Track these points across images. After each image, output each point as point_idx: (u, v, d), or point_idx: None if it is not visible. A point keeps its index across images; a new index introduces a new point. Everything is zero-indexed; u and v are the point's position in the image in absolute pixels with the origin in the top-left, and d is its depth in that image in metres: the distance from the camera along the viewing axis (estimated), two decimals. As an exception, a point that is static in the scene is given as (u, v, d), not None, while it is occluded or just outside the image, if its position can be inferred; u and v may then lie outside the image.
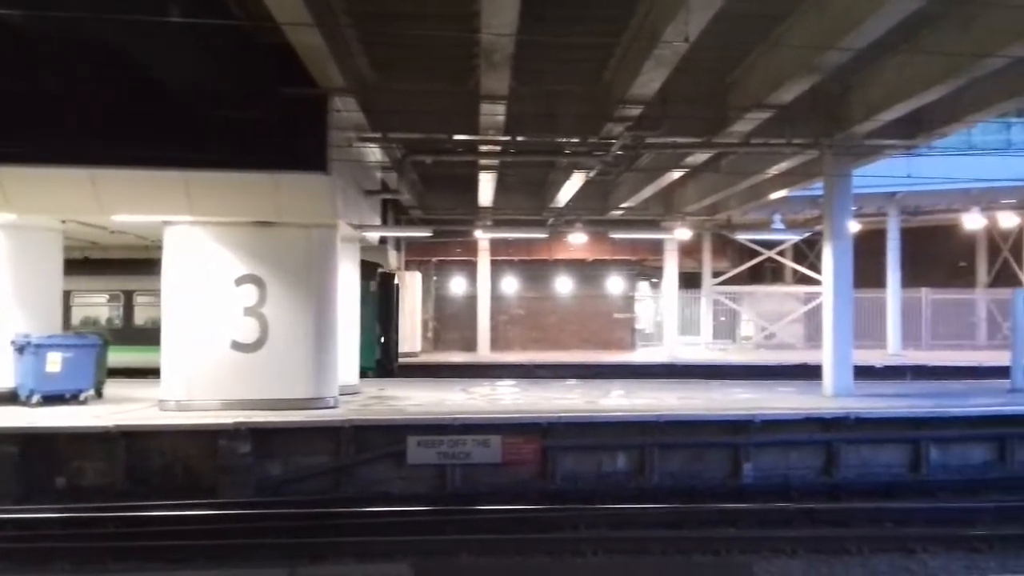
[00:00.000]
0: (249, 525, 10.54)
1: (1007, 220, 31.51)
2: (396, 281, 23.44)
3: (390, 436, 12.91)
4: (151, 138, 12.56)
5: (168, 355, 13.81)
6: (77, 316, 20.97)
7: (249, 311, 13.77)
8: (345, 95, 13.07)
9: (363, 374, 20.29)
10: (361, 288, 20.57)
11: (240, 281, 13.81)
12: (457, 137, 15.55)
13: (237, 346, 13.74)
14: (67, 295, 20.38)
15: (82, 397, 14.42)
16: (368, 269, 22.37)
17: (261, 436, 12.54)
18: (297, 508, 11.48)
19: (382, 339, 21.82)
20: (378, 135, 15.00)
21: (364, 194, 16.75)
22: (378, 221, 19.01)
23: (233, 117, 12.50)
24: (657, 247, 31.81)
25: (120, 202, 13.53)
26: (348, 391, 15.83)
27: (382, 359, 21.82)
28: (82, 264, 20.59)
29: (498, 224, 25.99)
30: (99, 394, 15.16)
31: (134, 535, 10.07)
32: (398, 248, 28.79)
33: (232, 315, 13.75)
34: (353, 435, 12.81)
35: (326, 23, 10.69)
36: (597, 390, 17.43)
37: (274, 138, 12.90)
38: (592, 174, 18.46)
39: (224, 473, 12.31)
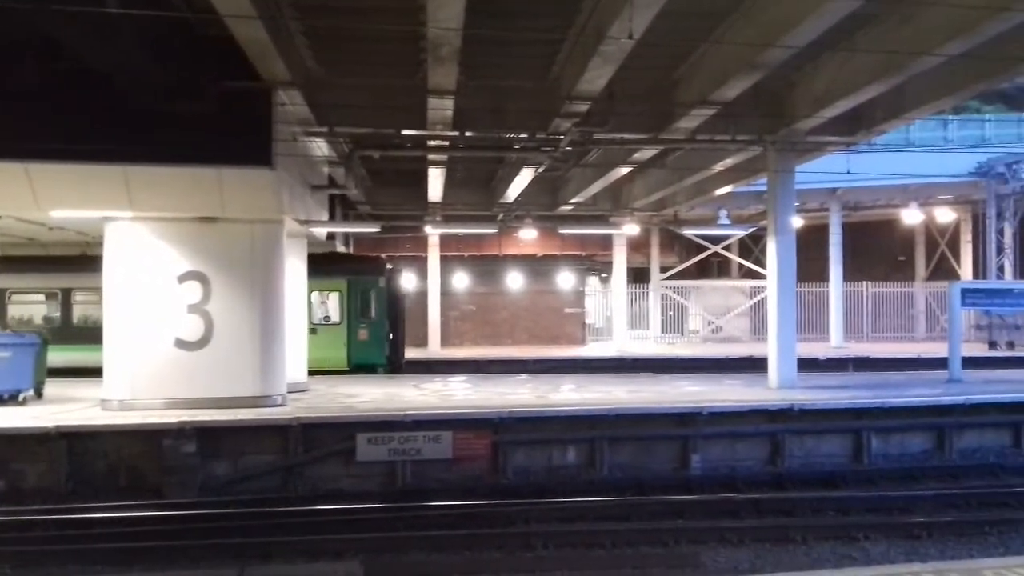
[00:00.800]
0: (196, 526, 10.38)
1: (944, 215, 32.45)
2: (402, 277, 23.24)
3: (339, 433, 12.82)
4: (89, 131, 12.24)
5: (110, 354, 13.53)
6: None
7: (193, 308, 13.56)
8: (290, 89, 12.89)
9: (373, 370, 20.31)
10: (371, 284, 20.36)
11: (183, 278, 13.59)
12: (405, 132, 15.46)
13: (181, 344, 13.52)
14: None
15: (21, 397, 14.08)
16: (375, 264, 22.39)
17: (207, 435, 12.36)
18: (245, 508, 11.32)
19: (391, 336, 21.73)
20: (324, 129, 14.83)
21: (311, 189, 16.56)
22: (325, 216, 18.80)
23: (175, 110, 12.24)
24: (606, 242, 32.06)
25: (57, 197, 13.17)
26: (297, 389, 15.68)
27: (391, 355, 21.70)
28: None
29: (448, 220, 25.90)
30: (39, 394, 14.79)
31: (76, 537, 9.85)
32: (346, 244, 28.52)
33: (176, 312, 13.53)
34: (301, 433, 12.69)
35: (270, 16, 10.53)
36: (548, 385, 17.51)
37: (217, 132, 12.66)
38: (541, 170, 18.52)
39: (169, 473, 12.12)
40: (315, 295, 20.89)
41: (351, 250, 28.97)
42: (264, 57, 11.56)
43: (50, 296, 20.56)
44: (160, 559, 9.34)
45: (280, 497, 12.07)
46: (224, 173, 13.10)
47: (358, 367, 20.80)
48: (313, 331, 20.43)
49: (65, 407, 13.65)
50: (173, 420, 12.34)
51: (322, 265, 21.42)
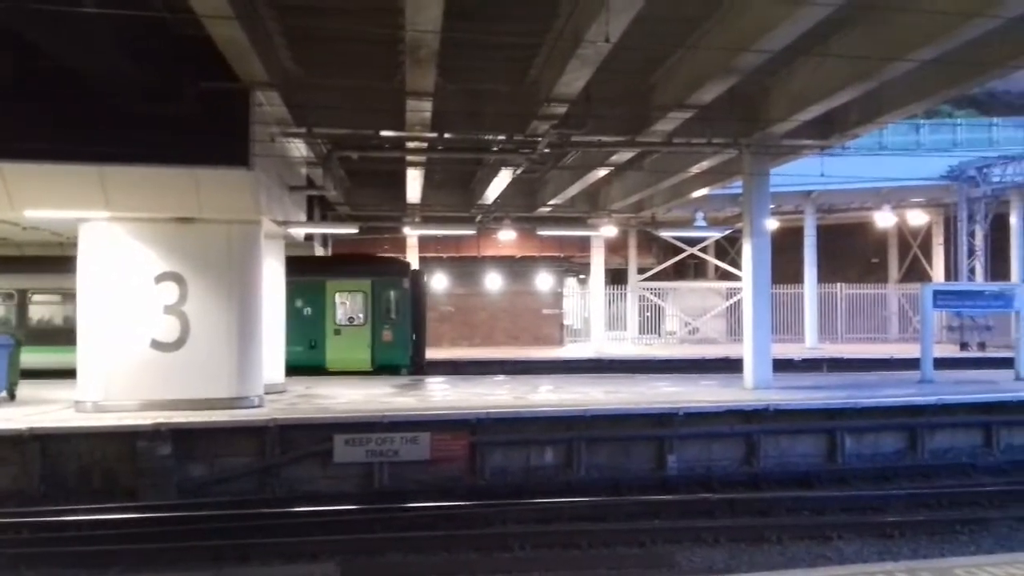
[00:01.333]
0: (172, 528, 10.31)
1: (916, 218, 32.87)
2: (424, 278, 23.27)
3: (317, 435, 12.80)
4: (65, 131, 12.15)
5: (85, 355, 13.42)
6: None
7: (169, 309, 13.48)
8: (268, 89, 12.86)
9: (397, 371, 20.33)
10: (395, 285, 20.52)
11: (160, 279, 13.51)
12: (384, 133, 15.46)
13: (157, 345, 13.44)
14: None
15: (-7, 400, 13.93)
16: (400, 266, 22.51)
17: (182, 437, 12.29)
18: (221, 510, 11.27)
19: (414, 337, 21.72)
20: (302, 130, 14.80)
21: (288, 190, 16.51)
22: (303, 217, 18.75)
23: (152, 110, 12.17)
24: (584, 244, 32.19)
25: (32, 197, 13.03)
26: (274, 390, 15.62)
27: (414, 356, 21.69)
28: None
29: (426, 221, 25.92)
30: (12, 396, 14.65)
31: (50, 540, 9.78)
32: (324, 245, 28.44)
33: (152, 313, 13.44)
34: (279, 435, 12.66)
35: (247, 16, 10.50)
36: (526, 386, 17.56)
37: (195, 132, 12.59)
38: (519, 171, 18.56)
39: (144, 475, 12.03)
40: (339, 296, 20.97)
41: (329, 251, 28.91)
42: (242, 57, 11.53)
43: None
44: (136, 561, 9.28)
45: (257, 499, 12.03)
46: (201, 173, 13.04)
47: (382, 368, 20.83)
48: (337, 332, 20.70)
49: (39, 409, 13.53)
50: (148, 422, 12.26)
51: (346, 266, 21.61)
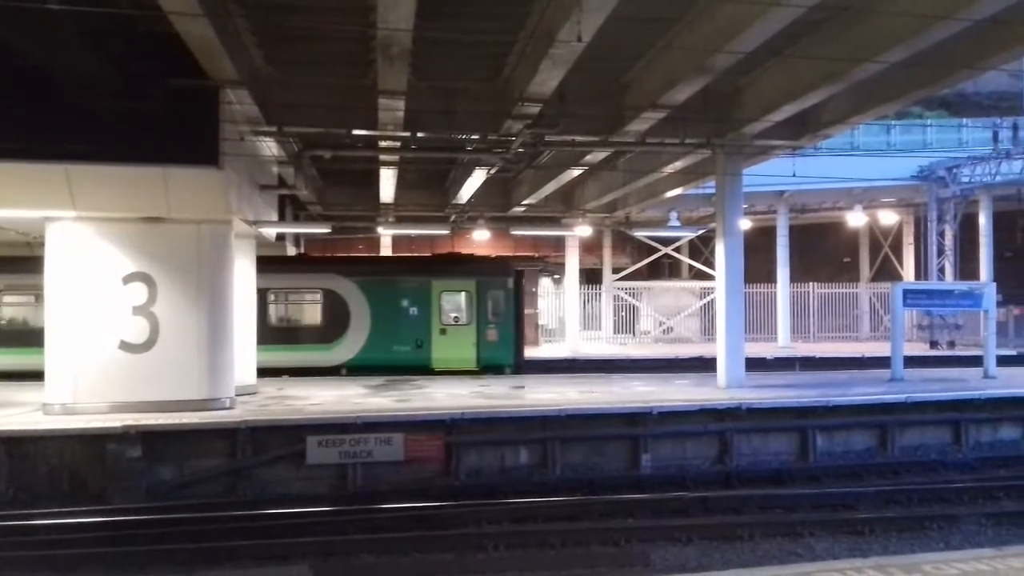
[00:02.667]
0: (141, 531, 10.16)
1: (887, 218, 33.24)
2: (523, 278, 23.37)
3: (289, 436, 12.70)
4: (30, 129, 11.97)
5: (53, 357, 13.21)
6: None
7: (138, 310, 13.31)
8: (238, 88, 12.72)
9: (501, 371, 20.40)
10: (500, 285, 20.76)
11: (128, 279, 13.34)
12: (356, 132, 15.33)
13: (126, 346, 13.26)
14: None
15: (-43, 403, 13.68)
16: (504, 266, 22.43)
17: (152, 439, 12.16)
18: (191, 512, 11.13)
19: (515, 336, 21.66)
20: (273, 129, 14.66)
21: (259, 189, 16.36)
22: (275, 217, 18.60)
23: (120, 108, 12.00)
24: (558, 244, 32.18)
25: (-4, 196, 12.84)
26: (245, 391, 15.45)
27: (516, 355, 21.62)
28: None
29: (400, 220, 25.79)
30: (-24, 399, 14.38)
31: (18, 544, 9.61)
32: (297, 245, 28.24)
33: (120, 314, 13.27)
34: (250, 436, 12.54)
35: (215, 13, 10.37)
36: (500, 385, 17.52)
37: (163, 130, 12.45)
38: (493, 171, 18.53)
39: (113, 478, 11.87)
40: (444, 295, 20.97)
41: (302, 251, 28.70)
42: (211, 55, 11.39)
43: None
44: (104, 565, 9.14)
45: (228, 501, 11.90)
46: (170, 172, 12.89)
47: (486, 367, 20.80)
48: (443, 332, 20.70)
49: (5, 411, 13.31)
50: (117, 424, 12.10)
51: (450, 265, 21.65)
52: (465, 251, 24.65)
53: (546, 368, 22.96)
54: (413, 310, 20.78)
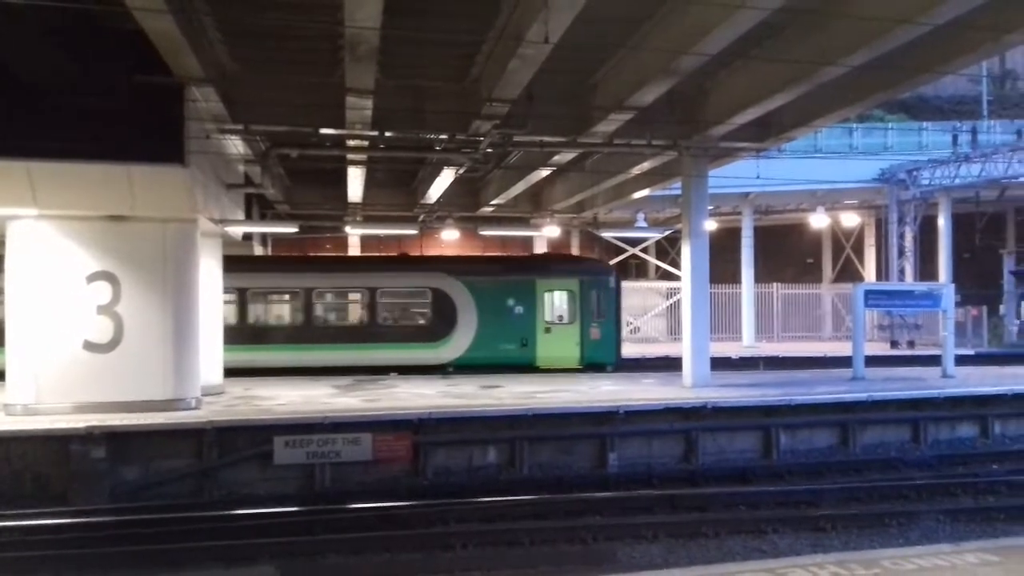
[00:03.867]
0: (104, 533, 10.04)
1: (849, 220, 33.76)
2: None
3: (256, 437, 12.59)
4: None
5: (14, 357, 13.02)
6: None
7: (102, 309, 13.15)
8: (204, 85, 12.62)
9: (603, 368, 20.64)
10: (602, 284, 21.14)
11: (92, 278, 13.17)
12: (323, 131, 15.27)
13: (90, 346, 13.10)
14: None
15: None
16: (604, 266, 22.96)
17: (117, 440, 11.99)
18: (155, 514, 11.00)
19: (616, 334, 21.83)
20: (240, 127, 14.56)
21: (226, 188, 16.22)
22: (241, 216, 18.42)
23: (83, 105, 11.87)
24: (527, 244, 32.24)
25: (-45, 194, 12.61)
26: (212, 391, 15.31)
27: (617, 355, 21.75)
28: None
29: (368, 220, 25.70)
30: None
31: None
32: (264, 244, 28.02)
33: (84, 314, 13.10)
34: (216, 437, 12.42)
35: (180, 9, 10.29)
36: (469, 385, 17.54)
37: (127, 128, 12.31)
38: (462, 171, 18.55)
39: (76, 480, 11.71)
40: (547, 295, 21.08)
41: (270, 251, 28.48)
42: (175, 52, 11.29)
43: None
44: (66, 568, 9.02)
45: (194, 502, 11.79)
46: (134, 170, 12.75)
47: (589, 365, 20.89)
48: (548, 330, 20.83)
49: (-36, 413, 13.07)
50: (81, 425, 11.93)
51: (553, 265, 22.10)
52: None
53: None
54: (519, 309, 20.93)
